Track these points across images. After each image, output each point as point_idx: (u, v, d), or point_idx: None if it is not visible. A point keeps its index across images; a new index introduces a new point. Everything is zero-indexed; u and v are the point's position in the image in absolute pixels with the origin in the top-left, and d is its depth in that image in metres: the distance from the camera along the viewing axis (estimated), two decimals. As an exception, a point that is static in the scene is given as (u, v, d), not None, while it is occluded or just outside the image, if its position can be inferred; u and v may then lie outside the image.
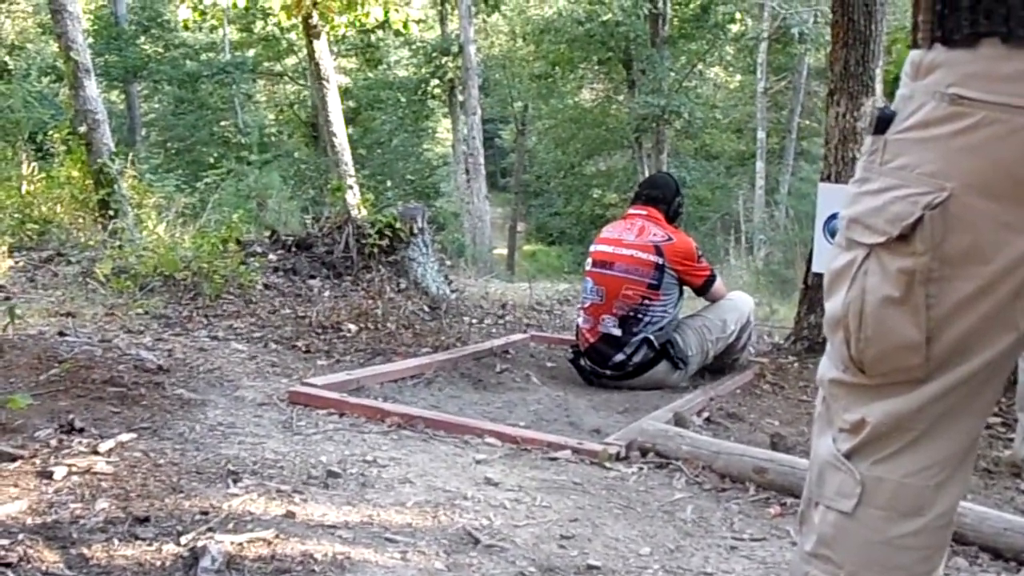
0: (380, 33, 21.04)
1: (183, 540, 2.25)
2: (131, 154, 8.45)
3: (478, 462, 3.17)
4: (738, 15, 23.93)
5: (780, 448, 3.45)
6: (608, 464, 3.25)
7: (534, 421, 3.91)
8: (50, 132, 8.86)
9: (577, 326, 5.01)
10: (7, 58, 18.81)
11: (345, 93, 20.23)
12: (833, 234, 4.67)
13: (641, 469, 3.25)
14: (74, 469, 2.67)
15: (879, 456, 1.26)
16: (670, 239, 4.82)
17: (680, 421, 3.73)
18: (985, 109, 1.12)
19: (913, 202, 1.17)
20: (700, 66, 26.19)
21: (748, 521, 2.82)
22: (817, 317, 5.25)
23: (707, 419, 4.04)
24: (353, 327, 5.25)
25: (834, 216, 4.85)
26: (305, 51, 13.18)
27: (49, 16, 8.88)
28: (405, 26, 11.63)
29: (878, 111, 1.25)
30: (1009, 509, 3.01)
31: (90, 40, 14.48)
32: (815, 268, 5.19)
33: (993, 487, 3.31)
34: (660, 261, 4.75)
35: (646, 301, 4.74)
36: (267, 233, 6.95)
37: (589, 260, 5.00)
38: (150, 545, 2.22)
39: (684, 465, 3.24)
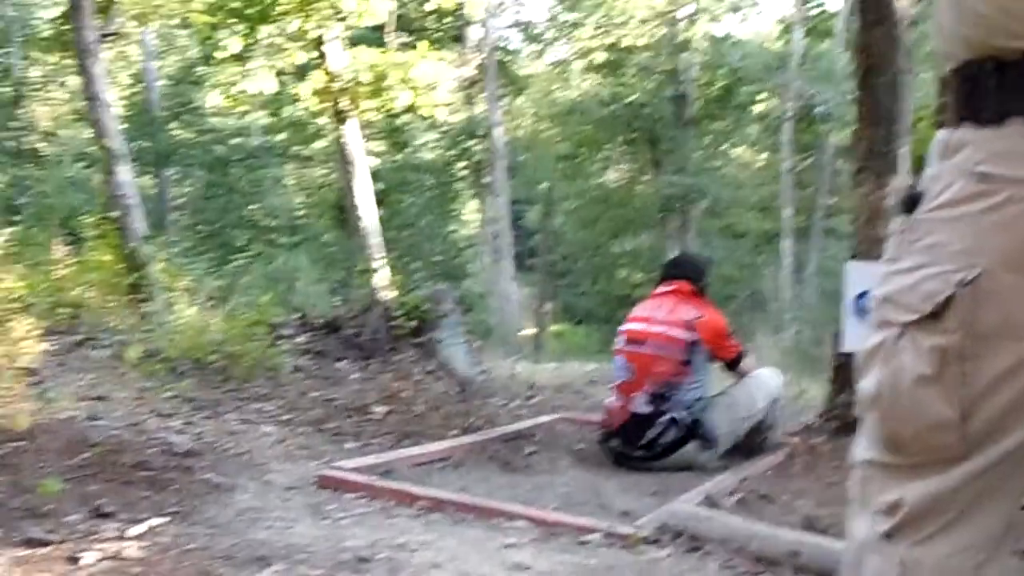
0: (408, 117, 21.30)
1: (212, 626, 2.23)
2: (162, 238, 8.55)
3: (508, 546, 3.14)
4: (762, 95, 24.15)
5: (814, 530, 3.40)
6: (640, 547, 3.22)
7: (564, 504, 3.88)
8: (83, 217, 8.98)
9: (606, 405, 4.98)
10: (41, 144, 19.14)
11: (373, 176, 20.41)
12: (862, 312, 4.65)
13: (673, 553, 3.20)
14: (104, 554, 2.66)
15: (917, 537, 1.24)
16: (702, 316, 4.82)
17: (712, 503, 3.69)
18: (1013, 186, 1.12)
19: (944, 280, 1.17)
20: (725, 146, 26.38)
21: (783, 605, 2.78)
22: (848, 396, 5.19)
23: (739, 500, 3.99)
24: (382, 409, 5.24)
25: (863, 294, 4.83)
26: (333, 135, 13.32)
27: (83, 103, 9.05)
28: (432, 110, 11.75)
29: (906, 190, 1.26)
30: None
31: (123, 126, 14.74)
32: (844, 347, 5.15)
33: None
34: (692, 338, 4.74)
35: (677, 378, 4.72)
36: (296, 315, 6.98)
37: (621, 338, 5.00)
38: (179, 631, 2.21)
39: (717, 548, 3.20)
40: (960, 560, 1.23)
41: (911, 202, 1.25)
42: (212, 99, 12.53)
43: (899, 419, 1.23)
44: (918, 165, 1.30)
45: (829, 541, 3.07)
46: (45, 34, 16.94)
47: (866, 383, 1.28)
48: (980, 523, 1.23)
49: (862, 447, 1.33)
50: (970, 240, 1.16)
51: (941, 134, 1.24)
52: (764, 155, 28.69)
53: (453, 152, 24.94)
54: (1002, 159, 1.14)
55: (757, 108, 25.11)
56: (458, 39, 22.36)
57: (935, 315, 1.18)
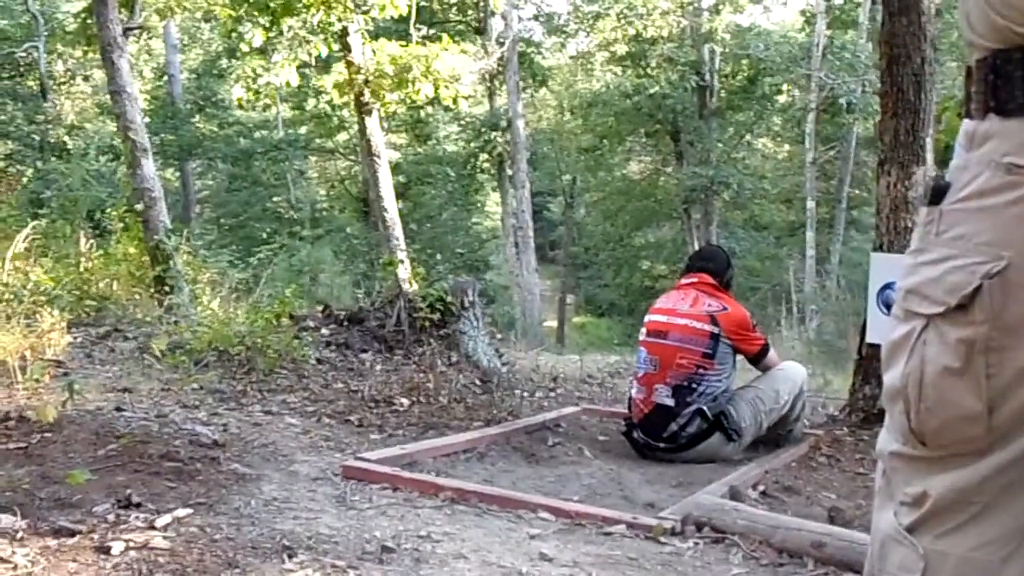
0: (430, 109, 21.33)
1: (239, 616, 2.25)
2: (186, 231, 8.60)
3: (532, 537, 3.15)
4: (785, 86, 24.05)
5: (838, 522, 3.39)
6: (663, 539, 3.22)
7: (588, 495, 3.88)
8: (108, 210, 9.05)
9: (630, 397, 4.99)
10: (66, 138, 19.28)
11: (395, 168, 20.47)
12: (887, 304, 4.64)
13: (697, 544, 3.21)
14: (131, 544, 2.68)
15: (942, 530, 1.24)
16: (725, 308, 4.82)
17: (736, 495, 3.69)
18: (1041, 178, 1.12)
19: (971, 272, 1.17)
20: (748, 137, 26.32)
21: (807, 597, 2.78)
22: (872, 388, 5.19)
23: (763, 492, 3.99)
24: (405, 401, 5.26)
25: (887, 286, 4.82)
26: (356, 128, 13.37)
27: (108, 97, 9.11)
28: (455, 102, 11.77)
29: (932, 181, 1.26)
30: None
31: (147, 120, 14.81)
32: (869, 338, 5.14)
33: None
34: (715, 330, 4.74)
35: (700, 370, 4.71)
36: (319, 308, 7.00)
37: (643, 330, 5.00)
38: (206, 621, 2.23)
39: (741, 540, 3.20)
40: (985, 553, 1.23)
41: (937, 193, 1.24)
42: (236, 92, 12.56)
43: (925, 411, 1.23)
44: (943, 156, 1.30)
45: (853, 533, 3.06)
46: (70, 28, 17.04)
47: (891, 375, 1.28)
48: (1006, 516, 1.23)
49: (887, 439, 1.33)
50: (997, 232, 1.16)
51: (967, 125, 1.24)
52: (787, 146, 28.64)
53: (475, 144, 24.98)
54: (1029, 151, 1.14)
55: (780, 99, 25.01)
56: (480, 31, 22.36)
57: (961, 307, 1.17)
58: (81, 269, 7.60)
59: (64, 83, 22.69)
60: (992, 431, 1.19)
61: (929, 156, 5.17)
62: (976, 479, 1.22)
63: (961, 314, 1.18)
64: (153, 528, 2.84)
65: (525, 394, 6.09)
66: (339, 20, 10.91)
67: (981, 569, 1.23)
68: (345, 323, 6.56)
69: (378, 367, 5.98)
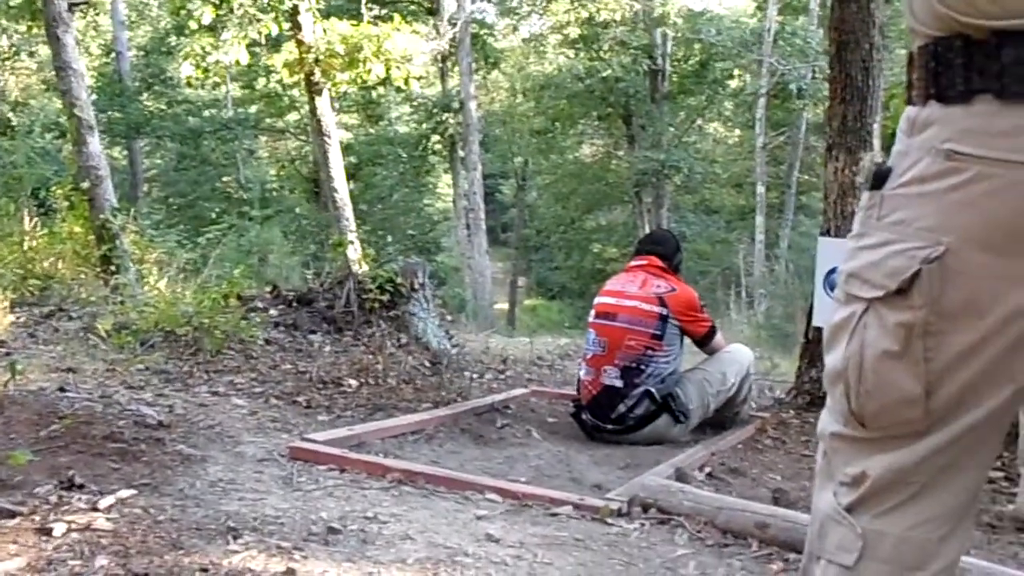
0: (381, 90, 21.20)
1: (182, 597, 2.24)
2: (133, 210, 8.49)
3: (479, 518, 3.16)
4: (736, 71, 24.16)
5: (782, 503, 3.43)
6: (610, 520, 3.24)
7: (535, 477, 3.90)
8: (53, 188, 8.91)
9: (579, 378, 5.00)
10: (11, 114, 18.97)
11: (346, 149, 20.34)
12: (833, 288, 4.68)
13: (643, 525, 3.23)
14: (74, 526, 2.65)
15: (880, 509, 1.26)
16: (673, 290, 4.84)
17: (682, 476, 3.72)
18: (980, 164, 1.13)
19: (911, 256, 1.18)
20: (699, 121, 26.45)
21: (751, 577, 2.80)
22: (818, 371, 5.24)
23: (709, 474, 4.02)
24: (354, 382, 5.24)
25: (834, 270, 4.86)
26: (307, 108, 13.26)
27: (53, 73, 8.97)
28: (406, 83, 11.69)
29: (874, 167, 1.27)
30: (1013, 564, 2.99)
31: (94, 97, 14.60)
32: (816, 322, 5.19)
33: (996, 542, 3.29)
34: (664, 312, 4.76)
35: (648, 352, 4.74)
36: (268, 288, 6.95)
37: (593, 312, 5.01)
38: (149, 602, 2.21)
39: (686, 521, 3.22)
40: (923, 532, 1.25)
41: (879, 178, 1.26)
42: (185, 70, 12.41)
43: (864, 394, 1.25)
44: (890, 142, 1.31)
45: (797, 514, 3.09)
46: (14, 2, 16.73)
47: (832, 358, 1.30)
48: (943, 496, 1.25)
49: (828, 420, 1.35)
50: (936, 217, 1.17)
51: (909, 111, 1.25)
52: (738, 131, 28.78)
53: (427, 126, 24.88)
54: (969, 137, 1.15)
55: (731, 84, 25.13)
56: (432, 11, 22.19)
57: (901, 292, 1.19)
58: (25, 248, 7.48)
59: (8, 59, 22.33)
60: (930, 414, 1.21)
61: (876, 142, 5.23)
62: (914, 460, 1.24)
63: (900, 298, 1.19)
64: (96, 509, 2.81)
65: (474, 376, 6.10)
66: (290, -1, 10.82)
67: (919, 548, 1.25)
68: (294, 304, 6.52)
69: (327, 348, 5.95)
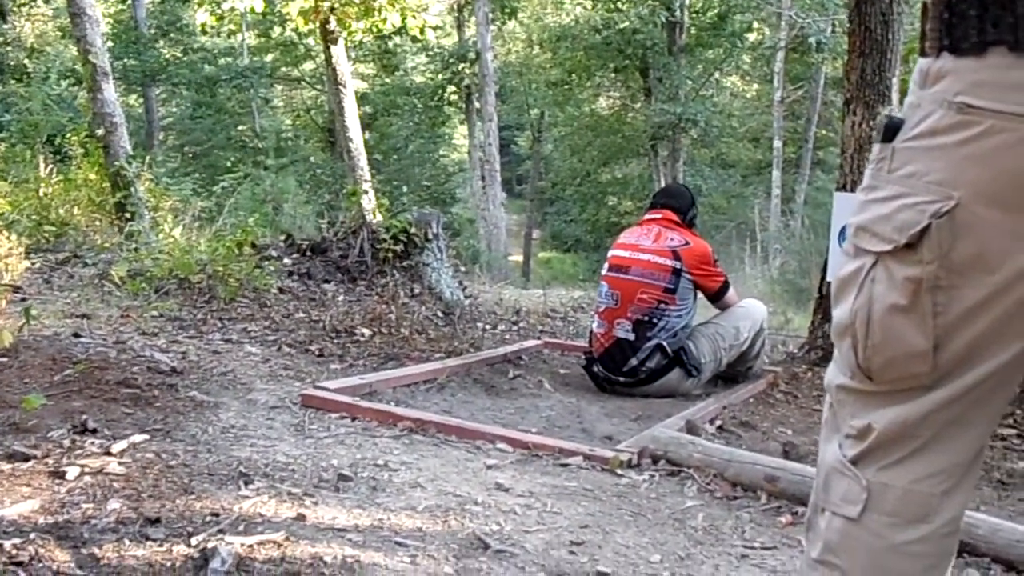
0: (397, 39, 21.10)
1: (193, 541, 2.26)
2: (148, 157, 8.50)
3: (489, 467, 3.17)
4: (755, 24, 23.94)
5: (792, 457, 3.44)
6: (619, 471, 3.25)
7: (546, 427, 3.92)
8: (68, 135, 8.93)
9: (591, 331, 5.01)
10: (26, 61, 18.93)
11: (362, 98, 20.29)
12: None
13: (652, 476, 3.24)
14: (86, 469, 2.68)
15: (885, 462, 1.26)
16: (687, 243, 4.83)
17: (692, 429, 3.73)
18: (993, 118, 1.12)
19: (920, 210, 1.17)
20: (717, 75, 26.23)
21: (759, 530, 2.81)
22: (831, 326, 5.24)
23: (719, 427, 4.03)
24: (367, 332, 5.26)
25: (849, 225, 4.85)
26: (322, 56, 13.20)
27: (68, 20, 8.94)
28: (422, 32, 11.62)
29: (886, 119, 1.25)
30: (1022, 521, 2.99)
31: (109, 44, 14.53)
32: (829, 277, 5.18)
33: (1007, 499, 3.30)
34: (677, 265, 4.75)
35: (661, 305, 4.74)
36: (282, 237, 6.97)
37: (606, 264, 5.01)
38: (160, 546, 2.23)
39: (696, 473, 3.23)
40: (927, 486, 1.25)
41: (890, 130, 1.24)
42: (200, 17, 12.35)
43: (872, 347, 1.24)
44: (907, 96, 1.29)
45: (806, 468, 3.10)
46: (30, -52, 16.68)
47: (840, 311, 1.30)
48: (948, 451, 1.25)
49: (835, 372, 1.34)
50: (947, 171, 1.16)
51: (922, 63, 1.23)
52: (756, 85, 28.59)
53: (443, 76, 24.78)
54: (982, 90, 1.14)
55: (750, 37, 24.90)
56: (450, -40, 22.05)
57: (910, 246, 1.18)
58: (40, 194, 7.51)
59: (24, 5, 22.26)
60: (937, 368, 1.21)
61: (895, 96, 5.18)
62: (920, 414, 1.24)
63: (909, 252, 1.18)
64: (109, 454, 2.84)
65: (487, 327, 6.11)
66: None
67: (922, 501, 1.25)
68: (308, 253, 6.53)
69: (340, 297, 5.97)
